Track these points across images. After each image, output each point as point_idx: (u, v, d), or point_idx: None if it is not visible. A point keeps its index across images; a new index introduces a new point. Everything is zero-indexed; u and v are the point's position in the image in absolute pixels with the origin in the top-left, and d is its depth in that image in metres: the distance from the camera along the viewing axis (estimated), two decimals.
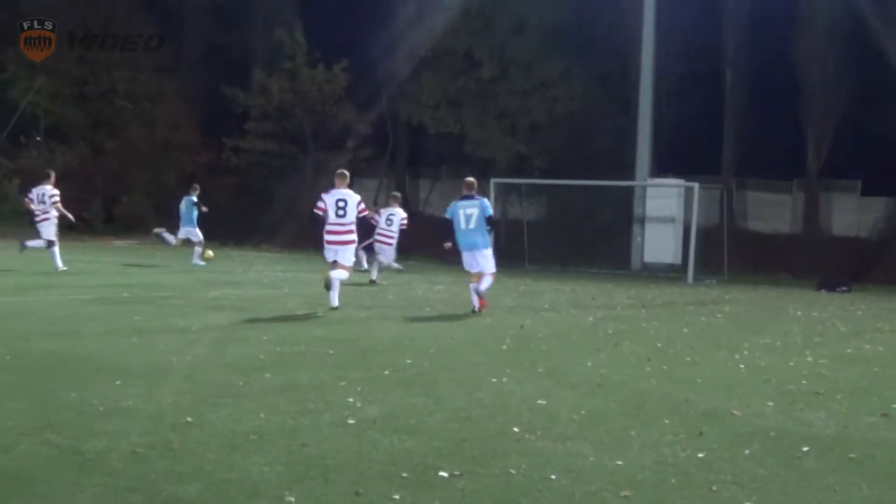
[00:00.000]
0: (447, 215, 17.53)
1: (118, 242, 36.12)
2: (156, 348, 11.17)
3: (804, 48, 39.26)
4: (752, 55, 40.55)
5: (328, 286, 16.56)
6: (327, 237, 16.81)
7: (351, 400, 8.65)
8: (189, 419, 7.64)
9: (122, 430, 7.22)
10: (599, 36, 40.21)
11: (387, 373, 10.19)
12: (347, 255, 16.91)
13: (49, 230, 23.48)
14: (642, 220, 34.55)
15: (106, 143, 42.57)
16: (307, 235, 29.11)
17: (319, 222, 16.75)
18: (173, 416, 7.75)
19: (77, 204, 39.56)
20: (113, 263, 25.92)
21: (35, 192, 23.75)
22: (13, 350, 10.52)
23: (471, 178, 17.84)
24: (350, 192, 16.99)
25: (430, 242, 31.29)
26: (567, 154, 40.90)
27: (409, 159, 47.30)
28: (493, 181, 34.63)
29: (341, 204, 16.78)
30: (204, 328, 13.13)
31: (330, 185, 17.15)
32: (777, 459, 7.21)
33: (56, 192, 23.68)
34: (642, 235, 34.38)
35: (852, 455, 7.42)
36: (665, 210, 33.66)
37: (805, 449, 7.53)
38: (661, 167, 39.43)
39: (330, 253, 16.88)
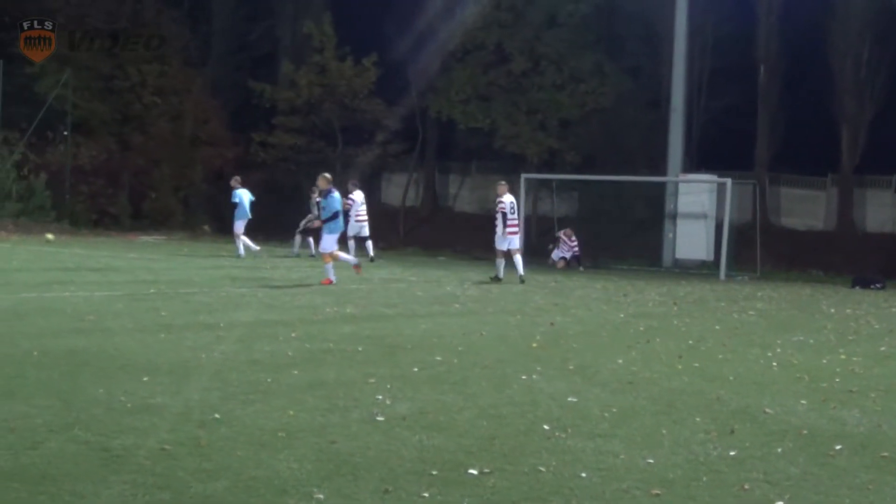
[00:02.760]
0: (338, 206, 21.28)
1: (145, 238, 36.23)
2: (183, 345, 11.19)
3: (839, 42, 39.05)
4: (785, 49, 40.38)
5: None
6: (509, 230, 23.17)
7: (380, 397, 8.63)
8: (217, 416, 7.63)
9: (149, 426, 7.22)
10: (631, 30, 40.10)
11: (416, 370, 10.17)
12: (517, 241, 23.79)
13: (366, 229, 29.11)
14: (674, 217, 34.35)
15: (133, 137, 42.71)
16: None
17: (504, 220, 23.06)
18: (201, 413, 7.75)
19: (103, 199, 39.86)
20: (139, 259, 26.01)
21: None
22: (41, 346, 10.55)
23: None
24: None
25: (459, 239, 31.32)
26: (598, 149, 40.80)
27: (439, 154, 47.29)
28: (523, 176, 34.51)
29: (512, 206, 23.50)
30: (232, 325, 13.14)
31: (502, 194, 23.36)
32: (809, 458, 7.16)
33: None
34: (674, 232, 34.17)
35: (885, 453, 7.36)
36: (697, 206, 33.45)
37: (838, 447, 7.47)
38: (694, 162, 39.30)
39: (508, 242, 23.19)
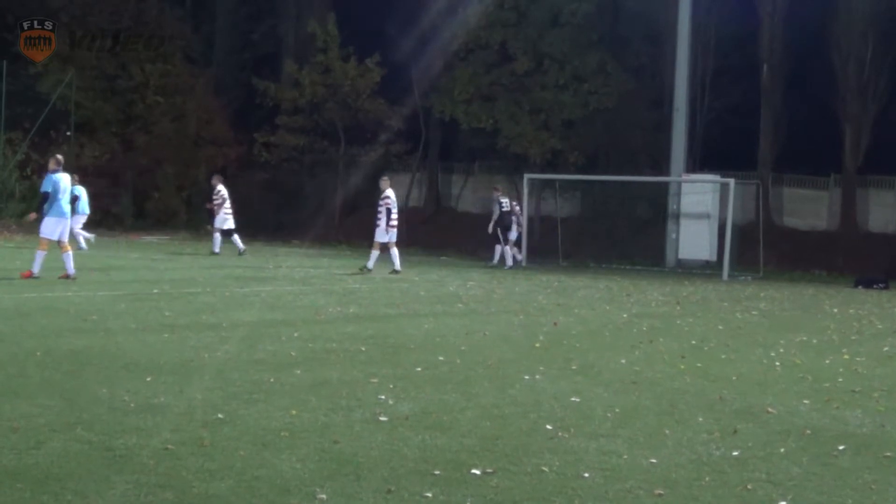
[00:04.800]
0: (49, 188, 18.80)
1: (148, 238, 36.23)
2: (186, 344, 11.18)
3: (841, 42, 39.01)
4: (788, 49, 40.35)
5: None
6: (393, 222, 23.99)
7: (383, 397, 8.63)
8: (220, 416, 7.63)
9: (152, 426, 7.23)
10: (634, 30, 40.07)
11: (418, 370, 10.17)
12: (395, 234, 24.40)
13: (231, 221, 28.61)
14: (677, 217, 34.36)
15: (136, 137, 42.72)
16: (337, 231, 29.22)
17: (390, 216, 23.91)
18: (204, 412, 7.75)
19: (107, 199, 39.87)
20: (143, 259, 26.01)
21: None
22: (44, 346, 10.55)
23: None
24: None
25: (462, 239, 31.30)
26: (602, 149, 40.80)
27: (442, 154, 47.27)
28: (526, 176, 34.54)
29: (394, 201, 24.29)
30: (234, 324, 13.15)
31: (386, 189, 24.19)
32: (812, 458, 7.15)
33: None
34: (677, 232, 34.17)
35: (888, 454, 7.36)
36: (700, 206, 33.45)
37: (841, 447, 7.47)
38: (697, 162, 39.28)
39: (389, 235, 23.94)
